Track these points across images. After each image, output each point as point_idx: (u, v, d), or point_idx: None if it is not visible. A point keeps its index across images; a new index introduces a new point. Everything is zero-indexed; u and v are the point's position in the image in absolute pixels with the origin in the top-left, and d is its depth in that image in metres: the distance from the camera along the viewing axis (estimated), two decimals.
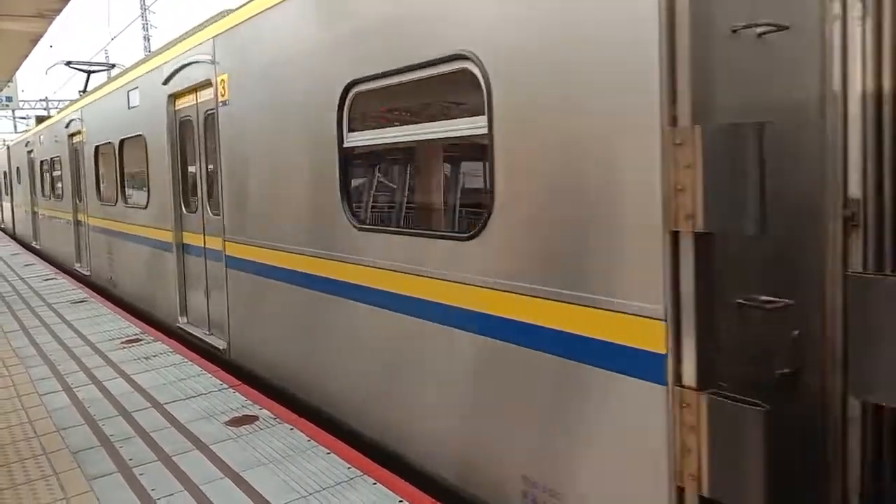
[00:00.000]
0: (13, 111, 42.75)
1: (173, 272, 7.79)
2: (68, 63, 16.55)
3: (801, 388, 2.79)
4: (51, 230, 16.10)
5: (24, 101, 41.56)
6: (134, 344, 7.19)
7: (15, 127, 45.45)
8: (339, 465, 4.02)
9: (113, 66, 17.52)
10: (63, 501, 3.72)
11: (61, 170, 13.70)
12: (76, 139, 12.38)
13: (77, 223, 13.04)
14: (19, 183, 20.88)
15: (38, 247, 17.88)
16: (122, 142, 9.40)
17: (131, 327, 8.02)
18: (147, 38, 42.83)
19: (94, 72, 17.15)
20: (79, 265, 13.02)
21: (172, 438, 4.56)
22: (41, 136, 16.07)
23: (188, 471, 4.04)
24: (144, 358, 6.61)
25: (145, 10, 41.29)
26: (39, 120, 18.51)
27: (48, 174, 15.53)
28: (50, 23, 7.28)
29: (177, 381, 5.81)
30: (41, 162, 16.22)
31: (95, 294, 10.52)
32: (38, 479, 3.98)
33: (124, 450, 4.39)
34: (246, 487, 3.80)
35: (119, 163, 9.60)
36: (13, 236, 23.19)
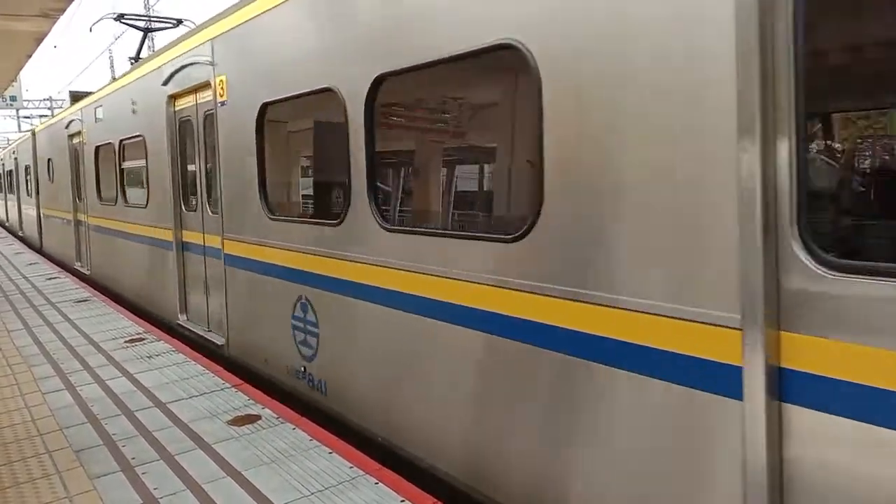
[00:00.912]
0: (17, 110, 42.90)
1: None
2: (120, 17, 12.34)
3: None
4: (113, 251, 10.79)
5: (28, 100, 41.73)
6: (137, 343, 7.20)
7: (19, 126, 45.61)
8: (342, 465, 4.02)
9: (180, 21, 12.65)
10: (66, 500, 3.73)
11: (146, 159, 8.62)
12: (185, 103, 7.44)
13: (182, 248, 7.88)
14: (51, 180, 15.41)
15: (85, 271, 12.82)
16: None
17: (134, 326, 8.03)
18: (151, 38, 42.97)
19: (152, 30, 12.88)
20: (185, 318, 7.98)
21: (175, 437, 4.56)
22: (97, 112, 10.99)
23: (191, 470, 4.05)
24: (147, 357, 6.62)
25: (149, 9, 41.38)
26: (76, 98, 13.79)
27: (114, 167, 10.18)
28: (54, 22, 7.29)
29: (179, 381, 5.82)
30: (97, 148, 11.04)
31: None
32: (41, 478, 3.99)
33: (127, 449, 4.40)
34: (248, 487, 3.81)
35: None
36: (39, 250, 17.59)
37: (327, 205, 5.68)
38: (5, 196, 27.51)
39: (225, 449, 4.33)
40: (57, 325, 8.29)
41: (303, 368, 5.36)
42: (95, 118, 11.07)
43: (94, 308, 9.27)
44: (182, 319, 7.93)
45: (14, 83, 17.05)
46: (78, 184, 12.83)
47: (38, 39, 8.21)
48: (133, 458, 4.24)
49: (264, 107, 5.62)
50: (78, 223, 13.22)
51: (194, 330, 7.57)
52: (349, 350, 4.81)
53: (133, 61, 11.41)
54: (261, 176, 5.80)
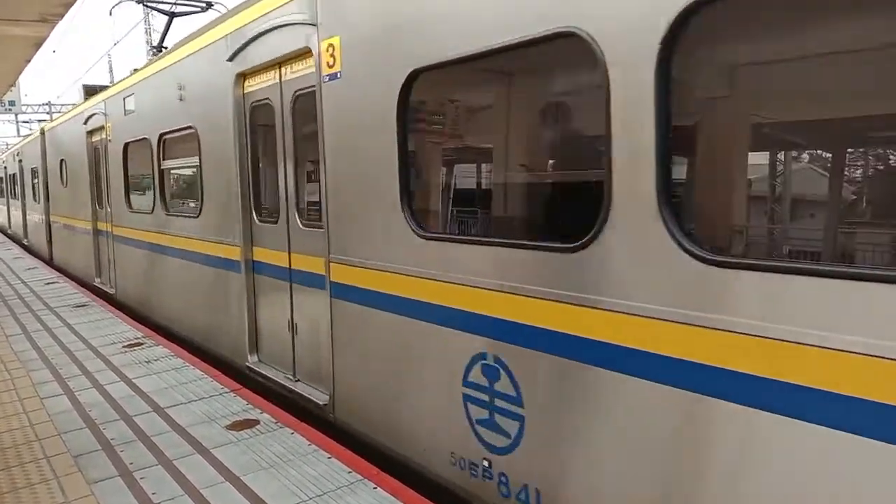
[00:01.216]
0: (16, 115, 42.92)
1: None
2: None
3: None
4: (149, 270, 8.82)
5: (27, 104, 41.75)
6: (135, 348, 7.19)
7: (18, 131, 45.64)
8: (340, 470, 4.02)
9: (210, 5, 11.24)
10: None
11: (199, 156, 6.77)
12: (262, 83, 5.66)
13: (253, 269, 6.09)
14: (64, 184, 13.60)
15: (107, 289, 11.01)
16: None
17: (132, 331, 8.02)
18: (150, 43, 43.12)
19: (178, 14, 11.22)
20: (256, 359, 6.14)
21: (173, 442, 4.56)
22: (126, 102, 9.13)
23: (189, 475, 4.04)
24: (146, 362, 6.61)
25: (148, 13, 41.47)
26: (90, 91, 12.47)
27: (151, 167, 8.24)
28: (53, 27, 7.29)
29: (178, 385, 5.81)
30: (126, 146, 9.30)
31: (97, 298, 10.30)
32: (39, 483, 3.98)
33: (125, 454, 4.39)
34: (247, 492, 3.80)
35: None
36: (49, 262, 15.94)
37: (545, 218, 4.04)
38: (7, 202, 26.08)
39: (223, 454, 4.33)
40: (55, 329, 8.28)
41: (486, 463, 3.53)
42: (125, 110, 9.22)
43: (93, 313, 9.27)
44: (252, 361, 6.10)
45: (13, 88, 16.91)
46: (98, 188, 11.19)
47: (37, 44, 8.22)
48: (131, 463, 4.23)
49: (414, 76, 3.81)
50: (98, 234, 11.49)
51: (272, 377, 5.72)
52: (607, 454, 2.90)
53: (157, 51, 9.73)
54: (404, 175, 3.95)
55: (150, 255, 8.71)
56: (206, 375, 6.07)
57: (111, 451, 4.43)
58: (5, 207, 27.28)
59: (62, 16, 6.88)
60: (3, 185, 26.49)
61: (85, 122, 11.31)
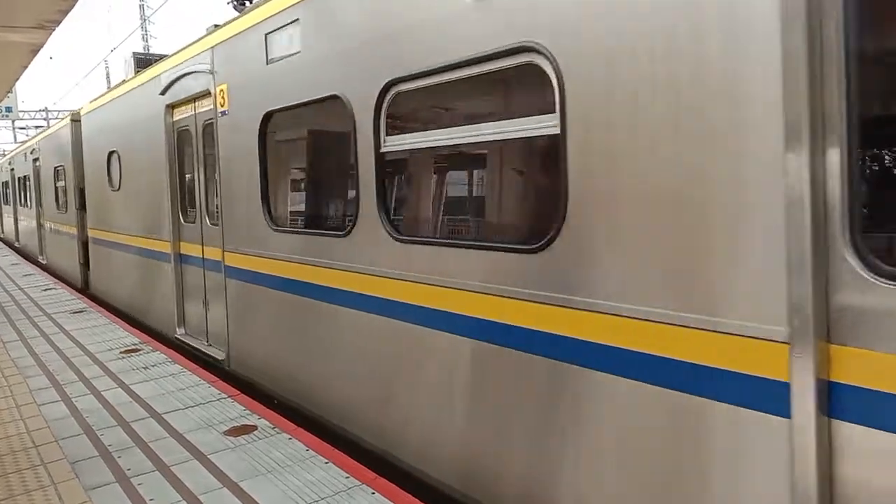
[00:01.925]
0: (13, 121, 42.93)
1: None
2: None
3: None
4: (363, 349, 4.62)
5: (24, 111, 41.74)
6: (133, 354, 7.18)
7: (14, 137, 45.66)
8: (338, 476, 4.02)
9: None
10: None
11: (564, 122, 3.02)
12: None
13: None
14: (115, 187, 10.09)
15: (205, 351, 7.22)
16: None
17: (130, 337, 8.01)
18: (147, 49, 43.16)
19: None
20: None
21: (171, 448, 4.55)
22: (272, 41, 5.47)
23: (187, 481, 4.04)
24: (143, 368, 6.61)
25: (145, 20, 41.56)
26: (143, 61, 9.42)
27: (353, 152, 4.47)
28: (50, 34, 7.30)
29: (175, 391, 5.81)
30: (267, 117, 5.64)
31: (94, 304, 10.33)
32: (36, 490, 3.97)
33: (123, 460, 4.39)
34: (244, 497, 3.80)
35: None
36: (82, 290, 12.46)
37: None
38: (14, 211, 21.97)
39: (221, 460, 4.32)
40: (53, 336, 8.26)
41: None
42: (267, 56, 5.59)
43: (91, 319, 9.25)
44: None
45: (10, 94, 16.69)
46: (182, 191, 7.93)
47: (34, 50, 8.23)
48: (129, 470, 4.22)
49: None
50: (184, 261, 7.90)
51: None
52: None
53: (240, 4, 7.20)
54: None
55: (345, 315, 4.82)
56: (203, 381, 6.07)
57: (108, 458, 4.43)
58: (11, 218, 23.12)
59: (59, 22, 6.89)
60: (10, 189, 22.42)
61: (163, 93, 7.89)
